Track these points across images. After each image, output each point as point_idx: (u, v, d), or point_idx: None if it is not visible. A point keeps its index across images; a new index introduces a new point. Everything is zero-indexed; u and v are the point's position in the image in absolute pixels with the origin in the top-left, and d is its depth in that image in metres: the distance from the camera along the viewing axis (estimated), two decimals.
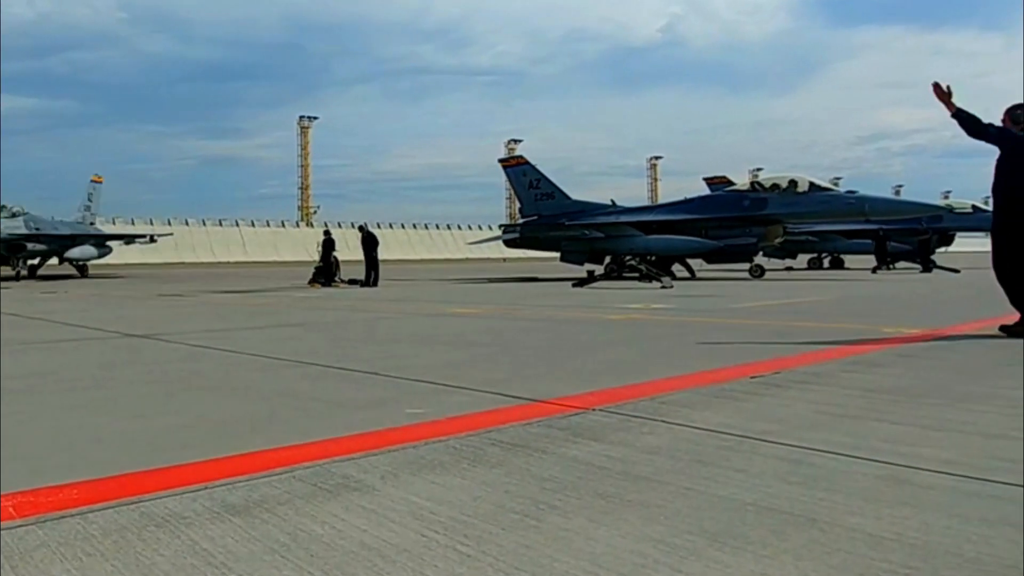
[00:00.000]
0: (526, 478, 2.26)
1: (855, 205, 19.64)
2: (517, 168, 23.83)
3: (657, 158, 73.57)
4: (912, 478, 2.22)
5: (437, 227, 57.49)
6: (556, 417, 3.09)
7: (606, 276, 16.40)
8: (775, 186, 21.10)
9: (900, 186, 65.89)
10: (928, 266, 23.27)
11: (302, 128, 60.39)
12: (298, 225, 58.30)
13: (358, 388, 3.93)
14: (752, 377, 4.01)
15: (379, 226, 55.46)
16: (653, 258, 18.17)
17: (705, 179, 33.36)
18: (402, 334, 7.00)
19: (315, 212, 61.51)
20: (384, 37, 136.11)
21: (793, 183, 20.82)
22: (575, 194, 23.00)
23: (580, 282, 15.88)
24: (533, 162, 23.45)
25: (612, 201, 23.07)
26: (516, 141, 62.98)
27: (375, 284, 17.92)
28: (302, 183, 65.66)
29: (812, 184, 20.56)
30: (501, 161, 24.09)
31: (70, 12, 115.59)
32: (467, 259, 40.56)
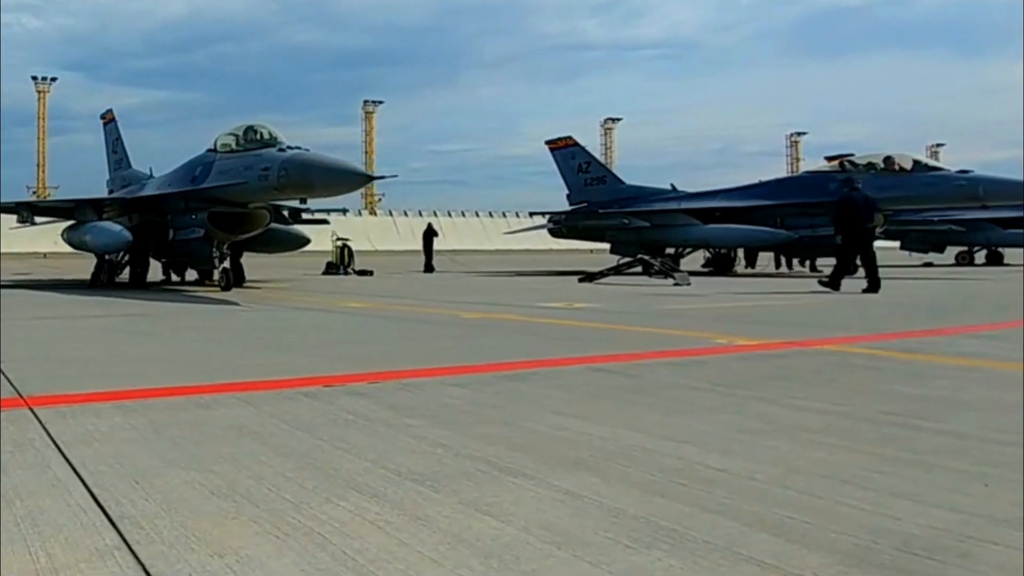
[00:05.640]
0: None
1: (967, 188, 18.09)
2: (565, 150, 23.74)
3: (800, 134, 69.56)
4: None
5: (517, 215, 57.79)
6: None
7: (616, 271, 16.15)
8: (870, 165, 19.77)
9: None
10: None
11: (366, 113, 61.85)
12: (360, 214, 59.11)
13: None
14: (372, 382, 4.16)
15: (463, 214, 55.71)
16: (665, 252, 17.57)
17: (827, 159, 31.26)
18: (200, 326, 7.66)
19: (379, 200, 62.68)
20: (542, 14, 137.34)
21: (890, 161, 19.45)
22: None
23: (587, 277, 15.82)
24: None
25: (672, 186, 22.50)
26: (614, 120, 61.97)
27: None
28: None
29: (916, 162, 19.16)
30: (548, 143, 24.05)
31: (221, 6, 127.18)
32: (550, 250, 40.71)
